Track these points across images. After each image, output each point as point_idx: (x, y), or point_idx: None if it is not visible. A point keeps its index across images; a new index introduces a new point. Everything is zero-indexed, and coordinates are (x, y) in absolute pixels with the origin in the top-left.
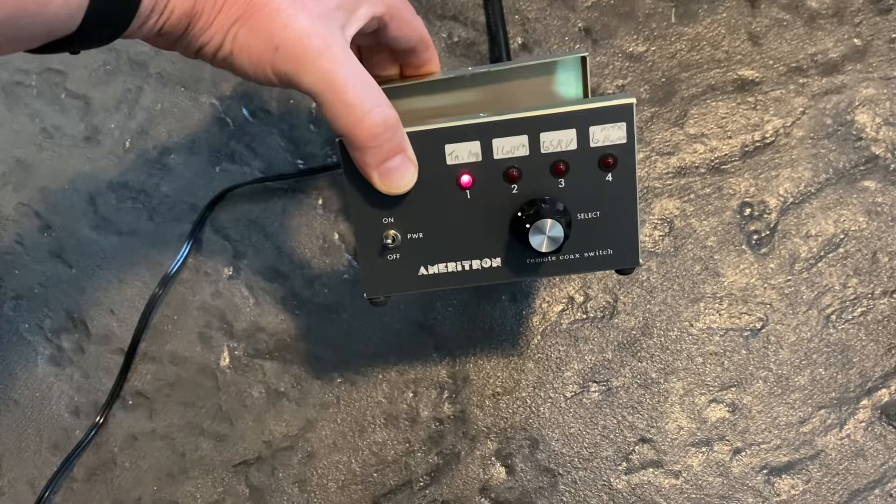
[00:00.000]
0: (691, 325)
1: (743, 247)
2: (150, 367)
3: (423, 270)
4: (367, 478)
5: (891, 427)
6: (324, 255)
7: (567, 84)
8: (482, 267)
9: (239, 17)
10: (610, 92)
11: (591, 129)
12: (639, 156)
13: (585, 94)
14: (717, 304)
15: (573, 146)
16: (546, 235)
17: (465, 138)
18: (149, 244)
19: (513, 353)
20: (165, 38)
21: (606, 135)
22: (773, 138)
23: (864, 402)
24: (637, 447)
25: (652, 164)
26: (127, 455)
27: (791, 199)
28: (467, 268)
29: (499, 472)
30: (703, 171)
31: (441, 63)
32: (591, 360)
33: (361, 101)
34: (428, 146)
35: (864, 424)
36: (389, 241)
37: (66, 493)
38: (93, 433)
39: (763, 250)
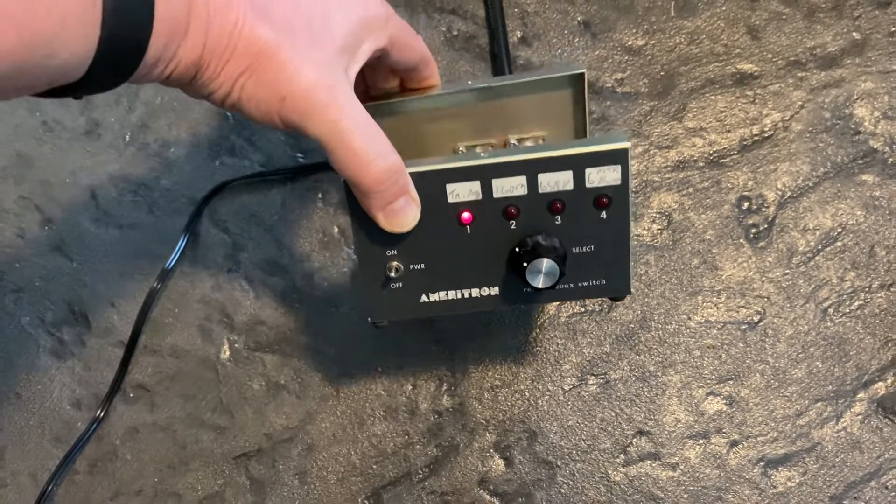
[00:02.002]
0: (689, 319)
1: (741, 240)
2: (151, 360)
3: (424, 298)
4: (367, 470)
5: (887, 420)
6: (323, 248)
7: (565, 103)
8: (481, 295)
9: (246, 69)
10: (609, 86)
11: (588, 170)
12: (637, 149)
13: (583, 111)
14: (714, 298)
15: (570, 186)
16: (542, 273)
17: (465, 178)
18: (149, 237)
19: (511, 347)
20: (173, 83)
21: (602, 176)
22: (772, 132)
23: (861, 395)
24: (635, 440)
25: (650, 158)
26: (128, 447)
27: (789, 193)
28: (467, 296)
29: (497, 464)
30: (701, 164)
31: (440, 56)
32: (589, 353)
33: (366, 151)
34: (430, 185)
35: (860, 417)
36: (392, 272)
37: (68, 485)
38: (94, 426)
39: (761, 244)
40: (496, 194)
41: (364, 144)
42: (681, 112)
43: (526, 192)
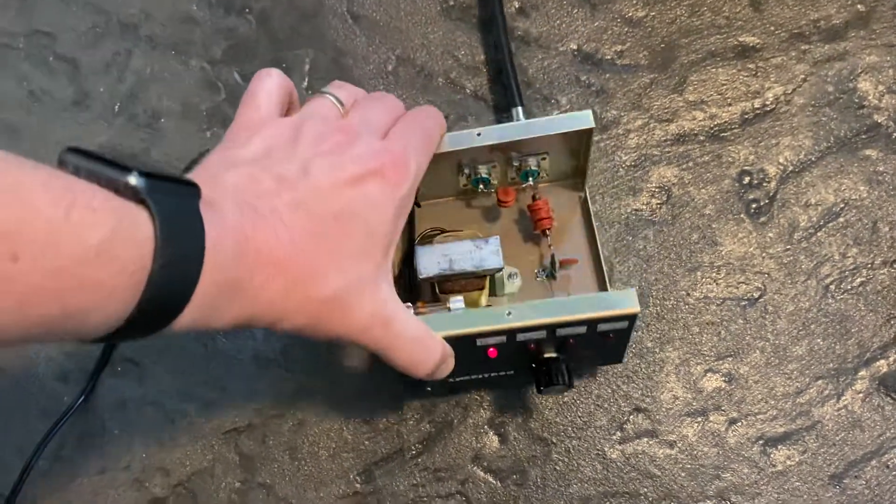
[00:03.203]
0: (688, 295)
1: (741, 215)
2: None
3: (451, 380)
4: (359, 445)
5: (889, 398)
6: None
7: (571, 141)
8: (499, 374)
9: (306, 325)
10: (608, 58)
11: (600, 325)
12: (637, 122)
13: (585, 160)
14: (714, 274)
15: (582, 331)
16: (554, 389)
17: (493, 335)
18: None
19: None
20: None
21: (611, 326)
22: (774, 106)
23: (862, 372)
24: (632, 417)
25: (650, 132)
26: (116, 421)
27: (791, 168)
28: (487, 376)
29: (492, 440)
30: (702, 138)
31: (436, 27)
32: None
33: (414, 357)
34: (463, 339)
35: (861, 395)
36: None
37: (54, 459)
38: (81, 399)
39: (762, 219)
40: (519, 338)
41: (413, 353)
42: (681, 85)
43: (545, 336)
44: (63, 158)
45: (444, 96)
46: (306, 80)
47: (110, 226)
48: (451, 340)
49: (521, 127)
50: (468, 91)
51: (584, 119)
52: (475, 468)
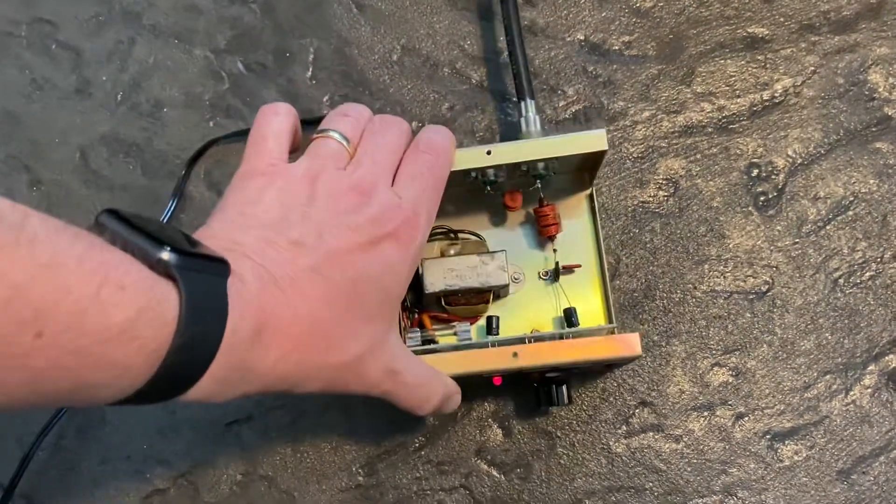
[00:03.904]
0: (695, 288)
1: (749, 208)
2: None
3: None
4: (362, 438)
5: None
6: None
7: (582, 163)
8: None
9: (321, 389)
10: (616, 49)
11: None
12: (644, 114)
13: (595, 169)
14: (721, 267)
15: (586, 366)
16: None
17: (502, 371)
18: (141, 199)
19: None
20: None
21: (614, 362)
22: (783, 98)
23: (871, 367)
24: (637, 410)
25: (658, 124)
26: (116, 412)
27: (800, 161)
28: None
29: (496, 433)
30: (710, 130)
31: (442, 17)
32: None
33: (418, 401)
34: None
35: (870, 390)
36: None
37: (54, 450)
38: None
39: (770, 212)
40: (524, 367)
41: (417, 400)
42: (689, 76)
43: (551, 365)
44: (101, 221)
45: (450, 86)
46: (310, 69)
47: (138, 306)
48: (455, 377)
49: (532, 146)
50: (474, 81)
51: (597, 140)
52: (479, 461)
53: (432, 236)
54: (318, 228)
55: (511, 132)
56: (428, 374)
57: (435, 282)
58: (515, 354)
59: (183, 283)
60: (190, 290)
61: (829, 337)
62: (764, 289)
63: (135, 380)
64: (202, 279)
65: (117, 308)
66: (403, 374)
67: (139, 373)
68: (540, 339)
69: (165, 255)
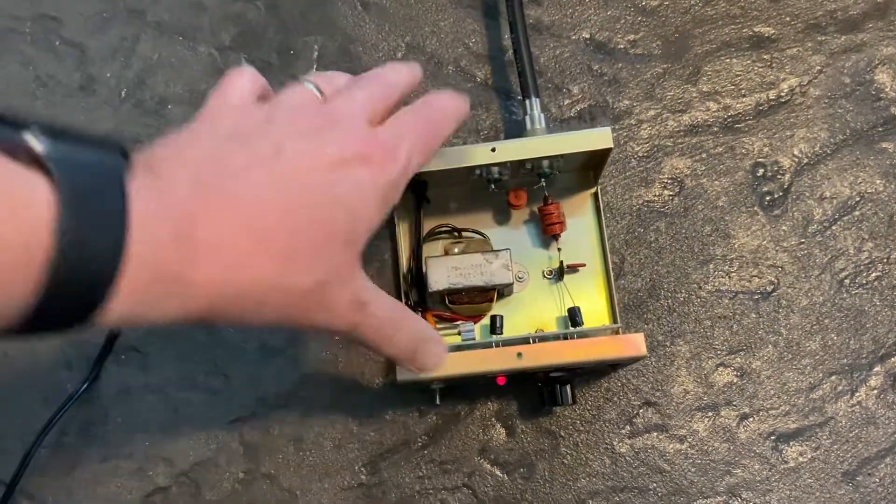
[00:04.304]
0: (700, 288)
1: (755, 208)
2: None
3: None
4: (364, 437)
5: None
6: None
7: (588, 161)
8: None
9: (280, 320)
10: (621, 47)
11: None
12: (649, 113)
13: (601, 168)
14: (727, 267)
15: (590, 366)
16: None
17: (505, 373)
18: None
19: None
20: None
21: (619, 362)
22: (789, 97)
23: (877, 368)
24: (641, 411)
25: (663, 123)
26: (119, 410)
27: (806, 160)
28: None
29: (499, 433)
30: (715, 129)
31: (446, 14)
32: None
33: (387, 334)
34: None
35: (875, 392)
36: (434, 387)
37: (56, 447)
38: (84, 387)
39: (776, 212)
40: (528, 368)
41: (385, 333)
42: (695, 75)
43: (555, 365)
44: None
45: (454, 84)
46: (315, 67)
47: None
48: (459, 377)
49: (537, 143)
50: (478, 80)
51: (603, 138)
52: (482, 461)
53: (435, 234)
54: (276, 145)
55: (515, 130)
56: (398, 308)
57: (439, 280)
58: (520, 355)
59: (59, 173)
60: (69, 183)
61: (835, 338)
62: (769, 289)
63: (19, 300)
64: (86, 170)
65: None
66: (372, 305)
67: (21, 291)
68: (544, 339)
69: (30, 139)
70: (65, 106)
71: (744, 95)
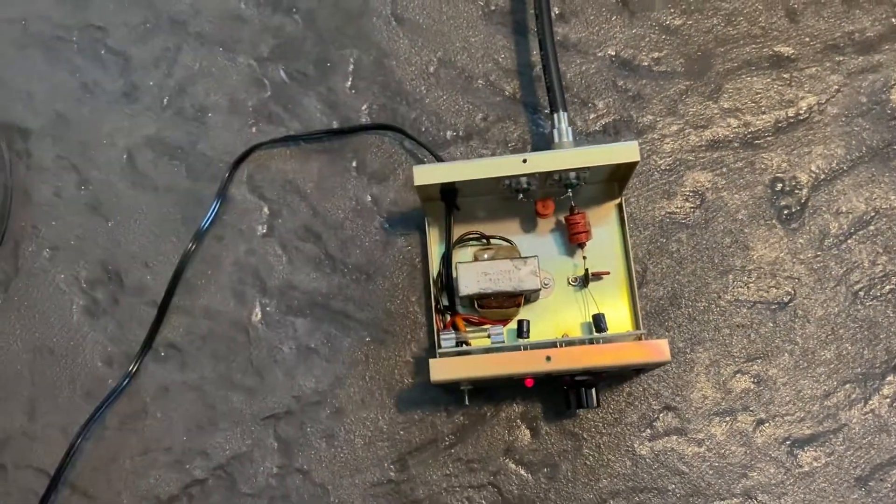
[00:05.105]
0: (719, 297)
1: (773, 221)
2: (183, 320)
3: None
4: (394, 435)
5: None
6: (356, 216)
7: (613, 173)
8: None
9: None
10: (645, 64)
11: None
12: (672, 128)
13: (626, 179)
14: (745, 277)
15: (615, 371)
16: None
17: (533, 375)
18: (185, 201)
19: None
20: None
21: (647, 366)
22: (807, 115)
23: (890, 378)
24: (661, 414)
25: (685, 137)
26: (158, 405)
27: (823, 176)
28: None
29: (524, 434)
30: (735, 145)
31: (477, 31)
32: None
33: None
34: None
35: (888, 400)
36: (463, 388)
37: (97, 440)
38: (125, 382)
39: (793, 225)
40: (555, 370)
41: None
42: (716, 92)
43: (582, 368)
44: None
45: (484, 98)
46: (350, 79)
47: None
48: (489, 378)
49: (567, 155)
50: (507, 94)
51: (630, 151)
52: (507, 461)
53: (464, 241)
54: None
55: (542, 143)
56: None
57: (469, 285)
58: (549, 358)
59: None
60: None
61: (850, 347)
62: (786, 299)
63: None
64: None
65: None
66: None
67: None
68: (571, 343)
69: None
70: (109, 112)
71: (763, 112)
